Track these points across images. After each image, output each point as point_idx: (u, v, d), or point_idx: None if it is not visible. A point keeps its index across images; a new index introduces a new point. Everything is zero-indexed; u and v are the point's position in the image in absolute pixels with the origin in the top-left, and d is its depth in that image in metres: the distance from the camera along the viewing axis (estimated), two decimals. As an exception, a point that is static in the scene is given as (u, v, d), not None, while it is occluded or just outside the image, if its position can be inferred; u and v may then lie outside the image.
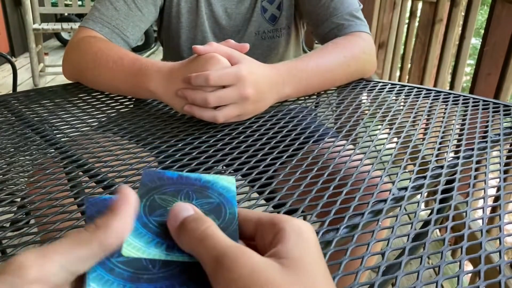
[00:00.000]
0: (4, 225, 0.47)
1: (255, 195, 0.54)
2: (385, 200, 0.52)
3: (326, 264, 0.27)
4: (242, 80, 0.67)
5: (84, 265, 0.27)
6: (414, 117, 0.78)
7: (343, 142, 0.67)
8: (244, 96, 0.68)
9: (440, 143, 0.67)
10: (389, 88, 0.90)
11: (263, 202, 0.52)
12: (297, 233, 0.27)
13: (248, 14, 1.01)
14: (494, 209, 0.53)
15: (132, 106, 0.81)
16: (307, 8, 0.97)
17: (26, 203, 0.52)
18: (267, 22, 1.01)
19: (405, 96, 0.86)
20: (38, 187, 0.53)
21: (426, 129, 0.73)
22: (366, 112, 0.79)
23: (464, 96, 0.86)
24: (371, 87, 0.90)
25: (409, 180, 0.57)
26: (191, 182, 0.35)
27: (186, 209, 0.30)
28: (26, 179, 0.57)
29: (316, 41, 4.00)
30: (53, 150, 0.64)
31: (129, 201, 0.29)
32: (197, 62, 0.68)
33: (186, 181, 0.35)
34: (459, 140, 0.68)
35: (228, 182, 0.36)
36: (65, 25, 3.49)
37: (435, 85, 2.00)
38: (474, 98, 0.85)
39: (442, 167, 0.60)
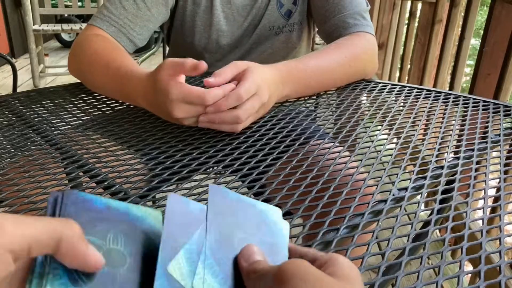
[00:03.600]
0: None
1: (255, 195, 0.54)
2: (385, 201, 0.52)
3: None
4: (260, 87, 0.66)
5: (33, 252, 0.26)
6: (414, 118, 0.78)
7: (340, 148, 0.66)
8: (263, 102, 0.68)
9: (440, 144, 0.68)
10: (389, 88, 0.90)
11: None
12: (347, 260, 0.32)
13: (263, 8, 1.01)
14: (494, 210, 0.53)
15: (132, 106, 0.81)
16: (317, 3, 0.97)
17: (26, 203, 0.52)
18: (282, 17, 1.01)
19: (405, 96, 0.86)
20: (38, 187, 0.53)
21: (426, 129, 0.73)
22: (366, 112, 0.79)
23: (464, 96, 0.86)
24: (371, 87, 0.90)
25: (409, 181, 0.57)
26: (249, 215, 0.37)
27: (258, 253, 0.34)
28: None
29: (316, 42, 4.01)
30: (53, 150, 0.64)
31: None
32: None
33: (243, 208, 0.37)
34: (459, 141, 0.69)
35: (277, 216, 0.38)
36: (65, 26, 3.50)
37: (434, 86, 2.00)
38: (474, 99, 0.85)
39: (442, 167, 0.60)
